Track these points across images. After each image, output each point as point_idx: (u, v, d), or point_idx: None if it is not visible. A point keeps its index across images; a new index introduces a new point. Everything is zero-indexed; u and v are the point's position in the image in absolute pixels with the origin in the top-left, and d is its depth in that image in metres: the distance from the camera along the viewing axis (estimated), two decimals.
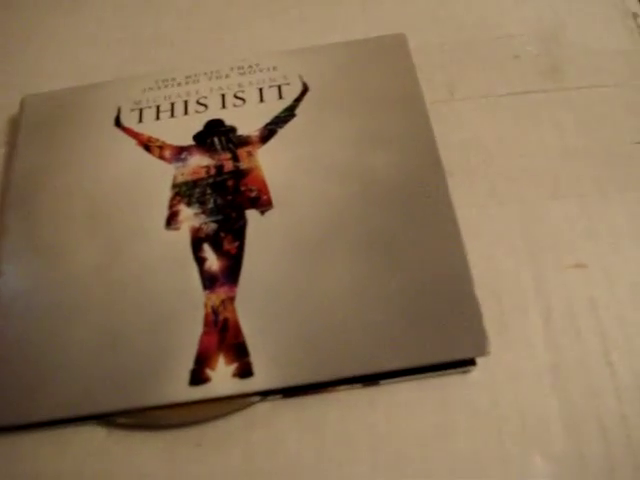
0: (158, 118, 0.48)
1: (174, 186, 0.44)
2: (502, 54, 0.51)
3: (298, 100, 0.47)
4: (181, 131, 0.47)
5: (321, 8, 0.55)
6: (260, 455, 0.37)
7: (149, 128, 0.48)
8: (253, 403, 0.38)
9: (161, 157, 0.46)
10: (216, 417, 0.38)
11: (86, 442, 0.39)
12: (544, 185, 0.45)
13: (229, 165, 0.45)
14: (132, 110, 0.49)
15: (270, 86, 0.49)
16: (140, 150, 0.47)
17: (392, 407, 0.38)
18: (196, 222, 0.43)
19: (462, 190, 0.43)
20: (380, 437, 0.38)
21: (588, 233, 0.43)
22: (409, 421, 0.38)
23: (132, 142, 0.47)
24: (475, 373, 0.39)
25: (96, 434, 0.39)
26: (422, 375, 0.38)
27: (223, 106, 0.48)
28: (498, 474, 0.36)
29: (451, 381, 0.39)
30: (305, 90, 0.48)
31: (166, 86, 0.50)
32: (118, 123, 0.48)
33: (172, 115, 0.48)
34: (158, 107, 0.49)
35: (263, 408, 0.38)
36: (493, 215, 0.44)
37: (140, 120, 0.48)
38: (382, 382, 0.38)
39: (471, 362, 0.38)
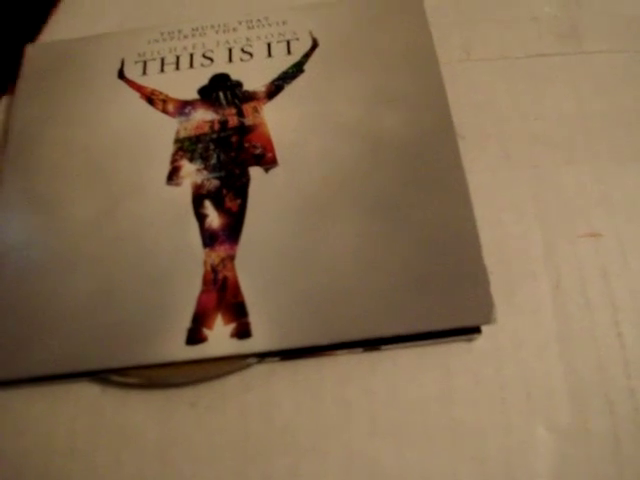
0: (162, 71, 0.47)
1: (177, 141, 0.43)
2: (520, 15, 0.49)
3: (307, 56, 0.46)
4: (186, 85, 0.46)
5: None
6: (255, 417, 0.37)
7: (153, 81, 0.46)
8: (250, 364, 0.37)
9: (164, 111, 0.45)
10: (212, 378, 0.37)
11: (79, 399, 0.38)
12: (559, 150, 0.43)
13: (234, 120, 0.44)
14: (136, 62, 0.47)
15: (279, 41, 0.47)
16: (143, 103, 0.45)
17: (393, 373, 0.37)
18: (198, 178, 0.42)
19: (474, 153, 0.42)
20: (379, 402, 0.37)
21: (603, 201, 0.41)
22: (410, 387, 0.37)
23: (135, 95, 0.46)
24: (480, 340, 0.38)
25: (89, 391, 0.38)
26: (425, 342, 0.37)
27: (230, 60, 0.47)
28: (500, 445, 0.35)
29: (455, 348, 0.38)
30: (315, 46, 0.46)
31: (172, 38, 0.48)
32: (121, 75, 0.47)
33: (177, 68, 0.47)
34: (163, 59, 0.47)
35: (260, 370, 0.37)
36: (505, 180, 0.42)
37: (144, 72, 0.47)
38: (383, 347, 0.37)
39: (476, 330, 0.37)
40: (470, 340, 0.37)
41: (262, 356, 0.37)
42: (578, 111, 0.45)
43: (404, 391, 0.37)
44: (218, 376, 0.37)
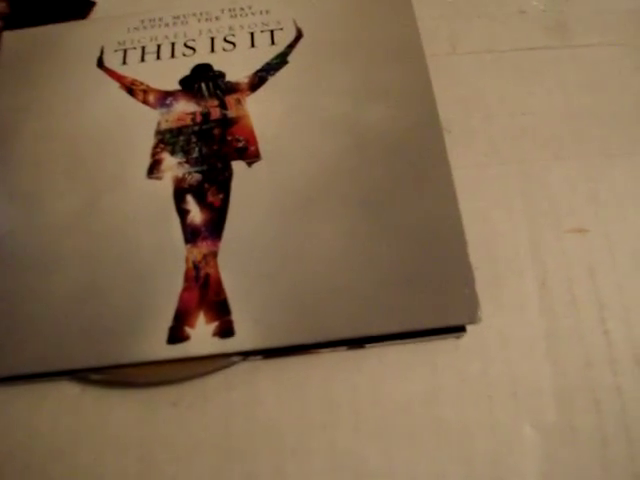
0: (143, 60, 0.46)
1: (158, 133, 0.42)
2: (508, 8, 0.49)
3: (291, 47, 0.45)
4: (167, 75, 0.45)
5: None
6: (238, 416, 0.36)
7: (133, 70, 0.45)
8: (233, 363, 0.36)
9: (145, 101, 0.44)
10: (194, 377, 0.37)
11: (60, 398, 0.37)
12: (546, 145, 0.43)
13: (216, 112, 0.43)
14: (116, 51, 0.46)
15: (262, 31, 0.46)
16: (123, 93, 0.44)
17: (377, 371, 0.37)
18: (179, 172, 0.41)
19: (460, 148, 0.42)
20: (364, 401, 0.37)
21: (590, 196, 0.41)
22: (395, 385, 0.37)
23: (115, 85, 0.45)
24: (466, 338, 0.38)
25: (70, 390, 0.37)
26: (410, 340, 0.37)
27: (212, 50, 0.46)
28: (487, 443, 0.35)
29: (440, 346, 0.38)
30: (299, 36, 0.45)
31: (152, 27, 0.47)
32: (101, 64, 0.46)
33: (158, 57, 0.46)
34: (143, 48, 0.46)
35: (243, 368, 0.37)
36: (492, 175, 0.42)
37: (124, 62, 0.46)
38: (367, 346, 0.37)
39: (461, 329, 0.37)
40: (457, 338, 0.37)
41: (245, 355, 0.36)
42: (566, 106, 0.45)
43: (389, 389, 0.37)
44: (200, 375, 0.37)
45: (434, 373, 0.37)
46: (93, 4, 0.51)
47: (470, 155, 0.42)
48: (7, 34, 0.49)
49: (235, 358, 0.36)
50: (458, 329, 0.37)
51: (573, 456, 0.35)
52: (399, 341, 0.37)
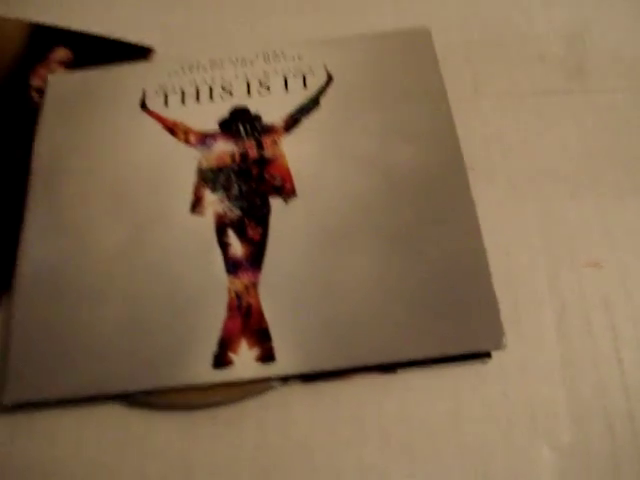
0: (183, 103, 0.49)
1: (199, 171, 0.45)
2: (528, 54, 0.52)
3: (323, 90, 0.48)
4: (206, 117, 0.48)
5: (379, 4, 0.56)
6: (273, 433, 0.39)
7: (174, 112, 0.48)
8: (274, 387, 0.39)
9: (186, 142, 0.47)
10: (236, 400, 0.39)
11: (106, 417, 0.40)
12: (563, 184, 0.46)
13: (254, 152, 0.45)
14: (157, 93, 0.49)
15: (295, 75, 0.49)
16: (165, 134, 0.47)
17: (405, 394, 0.39)
18: (220, 208, 0.43)
19: (482, 185, 0.44)
20: (391, 421, 0.39)
21: (605, 233, 0.44)
22: (421, 408, 0.39)
23: (157, 126, 0.48)
24: (488, 365, 0.40)
25: (117, 410, 0.40)
26: (439, 365, 0.39)
27: (248, 93, 0.49)
28: (505, 463, 0.37)
29: (464, 371, 0.40)
30: (329, 80, 0.48)
31: (191, 71, 0.50)
32: (144, 106, 0.49)
33: (197, 100, 0.49)
34: (183, 92, 0.49)
35: (279, 391, 0.39)
36: (512, 211, 0.45)
37: (165, 104, 0.49)
38: (399, 371, 0.39)
39: (486, 355, 0.39)
40: (483, 363, 0.39)
41: (285, 379, 0.39)
42: (582, 147, 0.47)
43: (415, 411, 0.39)
44: (242, 399, 0.39)
45: (457, 396, 0.39)
46: (151, 50, 0.54)
47: (491, 192, 0.45)
48: (52, 77, 0.52)
49: (275, 382, 0.39)
50: (484, 355, 0.39)
51: (587, 476, 0.37)
52: (429, 366, 0.39)
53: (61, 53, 0.54)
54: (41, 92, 0.51)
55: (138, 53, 0.54)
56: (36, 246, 0.44)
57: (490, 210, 0.43)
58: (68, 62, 0.54)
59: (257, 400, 0.39)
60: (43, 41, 0.54)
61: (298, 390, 0.39)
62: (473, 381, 0.40)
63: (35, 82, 0.52)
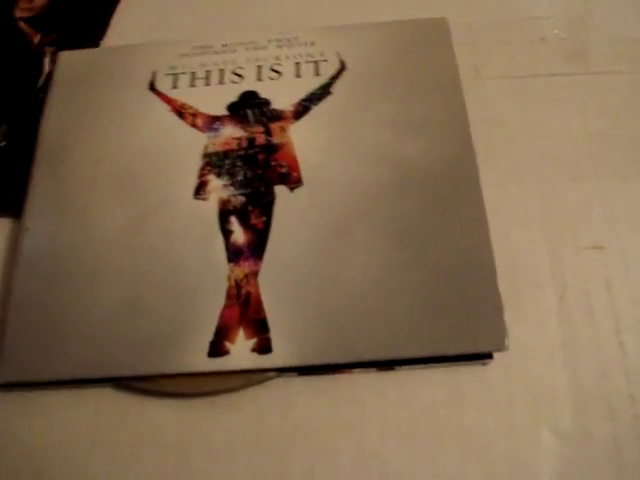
0: (193, 85, 0.48)
1: (205, 155, 0.44)
2: (529, 36, 0.51)
3: (334, 78, 0.47)
4: (215, 100, 0.47)
5: (409, 7, 0.54)
6: (271, 416, 0.38)
7: (183, 94, 0.48)
8: (269, 378, 0.38)
9: (193, 125, 0.46)
10: (232, 390, 0.39)
11: (101, 399, 0.40)
12: (565, 167, 0.45)
13: (261, 139, 0.45)
14: (167, 75, 0.49)
15: (307, 61, 0.48)
16: (173, 116, 0.47)
17: (406, 380, 0.39)
18: (225, 194, 0.43)
19: (484, 168, 0.43)
20: (391, 406, 0.39)
21: (606, 216, 0.43)
22: (420, 392, 0.39)
23: (165, 107, 0.47)
24: None
25: (112, 393, 0.40)
26: (438, 364, 0.38)
27: (259, 78, 0.48)
28: (507, 447, 0.37)
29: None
30: (342, 68, 0.47)
31: (203, 53, 0.50)
32: (152, 87, 0.48)
33: (207, 83, 0.48)
34: (193, 74, 0.48)
35: (278, 381, 0.39)
36: (513, 194, 0.44)
37: (174, 86, 0.48)
38: (397, 368, 0.39)
39: (488, 356, 0.38)
40: (483, 364, 0.39)
41: (281, 371, 0.38)
42: (584, 129, 0.47)
43: (414, 395, 0.39)
44: (237, 389, 0.38)
45: (457, 380, 0.39)
46: None
47: (492, 175, 0.44)
48: (62, 54, 0.51)
49: (271, 374, 0.38)
50: (485, 356, 0.38)
51: (588, 460, 0.37)
52: (427, 365, 0.38)
53: None
54: (26, 20, 0.54)
55: None
56: (37, 224, 0.43)
57: (491, 193, 0.42)
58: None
59: (256, 387, 0.39)
60: None
61: (296, 382, 0.39)
62: (474, 365, 0.39)
63: (19, 14, 0.55)
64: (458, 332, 0.38)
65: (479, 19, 0.52)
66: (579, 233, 0.43)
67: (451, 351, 0.37)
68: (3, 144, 0.49)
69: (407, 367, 0.39)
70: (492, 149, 0.45)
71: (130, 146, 0.46)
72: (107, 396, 0.40)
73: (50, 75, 0.51)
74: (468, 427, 0.38)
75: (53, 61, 0.52)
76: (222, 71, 0.48)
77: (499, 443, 0.37)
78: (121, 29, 0.55)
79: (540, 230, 0.43)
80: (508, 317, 0.38)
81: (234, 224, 0.42)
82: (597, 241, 0.42)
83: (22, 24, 0.54)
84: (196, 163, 0.44)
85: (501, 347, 0.37)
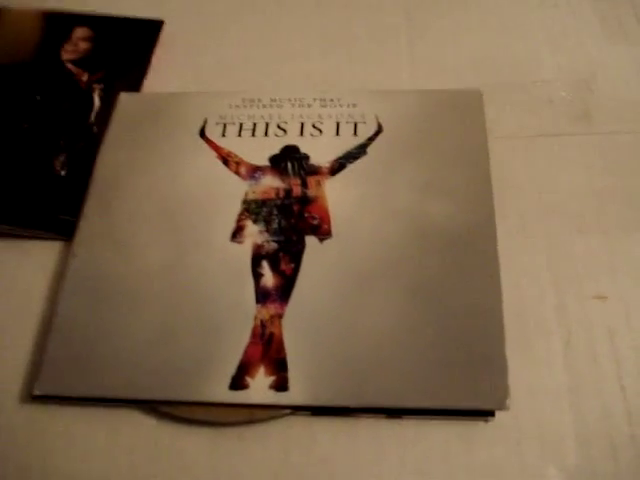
0: (240, 135, 0.52)
1: (244, 202, 0.48)
2: (537, 98, 0.55)
3: (371, 139, 0.50)
4: (259, 151, 0.51)
5: (396, 54, 0.59)
6: (296, 452, 0.41)
7: (230, 143, 0.51)
8: (284, 415, 0.41)
9: (237, 172, 0.49)
10: (249, 422, 0.41)
11: (137, 427, 0.42)
12: (571, 221, 0.48)
13: (298, 190, 0.48)
14: (217, 124, 0.53)
15: (347, 122, 0.52)
16: (218, 163, 0.50)
17: (419, 425, 0.41)
18: (259, 239, 0.46)
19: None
20: (407, 443, 0.41)
21: (610, 267, 0.46)
22: (433, 430, 0.41)
23: (212, 154, 0.51)
24: None
25: (147, 421, 0.42)
26: (442, 417, 0.41)
27: (301, 133, 0.51)
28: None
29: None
30: (379, 131, 0.51)
31: (251, 106, 0.53)
32: (202, 134, 0.52)
33: (253, 134, 0.52)
34: (241, 124, 0.52)
35: (301, 417, 0.41)
36: (522, 246, 0.47)
37: (223, 134, 0.52)
38: (404, 417, 0.41)
39: (490, 413, 0.40)
40: (485, 422, 0.41)
41: (295, 409, 0.41)
42: (588, 186, 0.50)
43: (428, 434, 0.41)
44: (254, 422, 0.41)
45: (469, 420, 0.41)
46: (162, 23, 0.62)
47: (502, 228, 0.46)
48: (123, 95, 0.56)
49: (286, 411, 0.41)
50: (487, 413, 0.40)
51: None
52: (432, 416, 0.41)
53: (82, 31, 0.62)
54: (73, 62, 0.60)
55: (151, 26, 0.62)
56: (85, 251, 0.47)
57: (501, 244, 0.45)
58: (90, 37, 0.62)
59: (281, 420, 0.41)
60: (62, 24, 0.63)
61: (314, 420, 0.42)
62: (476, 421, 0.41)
63: (65, 56, 0.61)
64: (463, 388, 0.40)
65: (490, 81, 0.56)
66: (584, 283, 0.45)
67: (454, 405, 0.40)
68: (63, 173, 0.53)
69: (413, 417, 0.41)
70: (502, 204, 0.47)
71: (177, 187, 0.49)
72: (143, 422, 0.42)
73: (101, 110, 0.56)
74: (479, 463, 0.40)
75: (101, 97, 0.57)
76: (268, 124, 0.52)
77: (508, 478, 0.40)
78: (180, 76, 0.59)
79: (547, 280, 0.45)
80: (517, 361, 0.41)
81: (265, 268, 0.45)
82: (601, 291, 0.45)
83: (70, 65, 0.60)
84: (235, 208, 0.48)
85: (502, 406, 0.39)
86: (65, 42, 0.62)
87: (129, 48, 0.61)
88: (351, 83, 0.56)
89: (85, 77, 0.59)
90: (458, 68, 0.57)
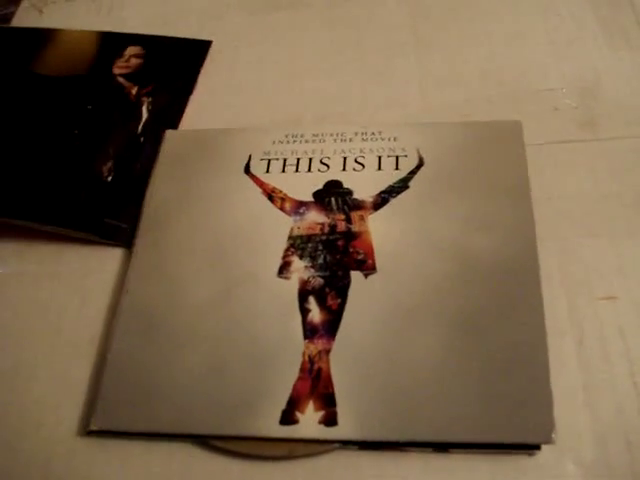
0: (284, 171, 0.53)
1: (290, 238, 0.49)
2: (543, 106, 0.56)
3: (413, 173, 0.51)
4: (303, 186, 0.52)
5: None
6: None
7: (274, 179, 0.53)
8: (333, 450, 0.42)
9: (282, 208, 0.51)
10: (299, 457, 0.42)
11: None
12: (579, 225, 0.49)
13: (342, 226, 0.49)
14: (261, 160, 0.54)
15: (389, 155, 0.53)
16: (263, 199, 0.52)
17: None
18: (305, 275, 0.47)
19: None
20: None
21: (618, 269, 0.47)
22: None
23: (257, 190, 0.52)
24: None
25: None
26: (488, 450, 0.41)
27: (343, 168, 0.53)
28: (536, 478, 0.41)
29: None
30: (421, 164, 0.52)
31: (294, 141, 0.55)
32: (247, 170, 0.53)
33: (296, 170, 0.53)
34: (285, 160, 0.54)
35: (347, 453, 0.42)
36: None
37: (267, 170, 0.53)
38: (451, 451, 0.41)
39: (536, 447, 0.41)
40: (530, 455, 0.41)
41: (344, 443, 0.42)
42: (595, 191, 0.51)
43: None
44: (304, 456, 0.42)
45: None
46: (211, 42, 0.66)
47: None
48: (169, 132, 0.57)
49: (335, 445, 0.42)
50: (532, 447, 0.41)
51: None
52: (477, 450, 0.41)
53: (134, 49, 0.66)
54: (124, 77, 0.64)
55: (199, 46, 0.66)
56: (136, 288, 0.49)
57: None
58: (141, 55, 0.66)
59: (329, 455, 0.42)
60: (116, 43, 0.67)
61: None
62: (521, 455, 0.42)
63: (117, 70, 0.65)
64: (509, 422, 0.40)
65: (497, 91, 0.57)
66: (594, 285, 0.47)
67: (501, 439, 0.40)
68: (109, 179, 0.56)
69: (460, 450, 0.41)
70: None
71: (224, 223, 0.51)
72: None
73: (147, 121, 0.59)
74: None
75: (149, 109, 0.60)
76: (311, 160, 0.53)
77: (528, 476, 0.41)
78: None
79: (559, 282, 0.47)
80: None
81: (312, 304, 0.46)
82: (611, 292, 0.46)
83: (120, 79, 0.64)
84: (281, 244, 0.49)
85: (548, 440, 0.40)
86: (117, 58, 0.65)
87: (178, 64, 0.65)
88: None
89: (135, 90, 0.62)
90: (466, 80, 0.59)
